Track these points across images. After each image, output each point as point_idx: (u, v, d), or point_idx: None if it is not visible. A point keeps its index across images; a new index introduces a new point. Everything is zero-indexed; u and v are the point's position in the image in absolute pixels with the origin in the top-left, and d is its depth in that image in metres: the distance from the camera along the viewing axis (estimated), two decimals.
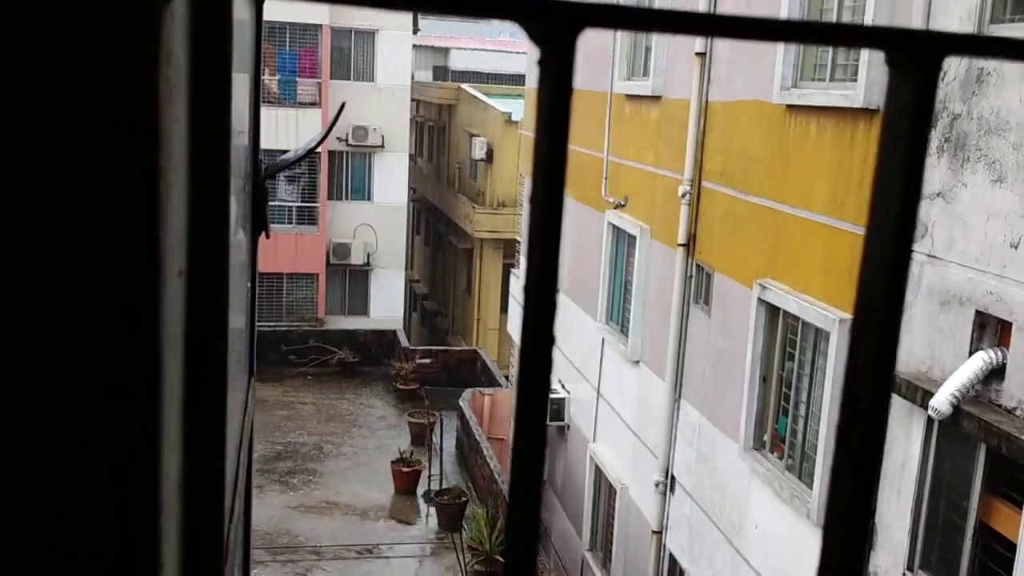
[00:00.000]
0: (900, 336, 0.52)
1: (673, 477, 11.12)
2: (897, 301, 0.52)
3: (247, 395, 1.43)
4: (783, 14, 8.65)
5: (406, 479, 17.75)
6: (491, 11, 0.48)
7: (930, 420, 6.47)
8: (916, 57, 0.52)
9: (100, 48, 0.46)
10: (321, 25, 25.61)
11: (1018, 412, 5.83)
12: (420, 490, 17.79)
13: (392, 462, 18.03)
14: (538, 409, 0.51)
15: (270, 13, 26.23)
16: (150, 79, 0.47)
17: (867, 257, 0.53)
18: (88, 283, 0.48)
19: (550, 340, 0.49)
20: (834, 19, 8.17)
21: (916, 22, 6.83)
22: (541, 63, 0.50)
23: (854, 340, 0.54)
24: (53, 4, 0.45)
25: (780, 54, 8.73)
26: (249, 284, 1.57)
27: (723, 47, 10.14)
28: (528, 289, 0.48)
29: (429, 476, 17.69)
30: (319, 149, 25.51)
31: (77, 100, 0.46)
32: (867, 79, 7.45)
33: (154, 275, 0.50)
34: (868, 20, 7.41)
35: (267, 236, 1.65)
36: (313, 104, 25.78)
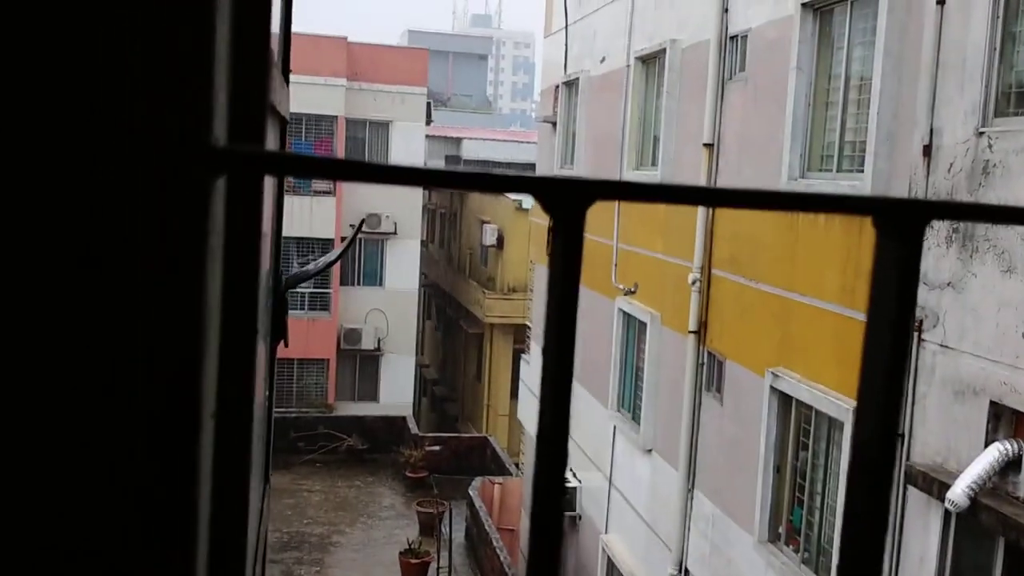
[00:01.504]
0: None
1: (687, 570, 10.91)
2: (889, 460, 0.55)
3: (262, 503, 1.45)
4: (788, 115, 8.82)
5: (414, 571, 17.42)
6: (512, 188, 0.53)
7: (947, 513, 6.37)
8: (901, 222, 0.56)
9: (153, 224, 0.50)
10: (336, 116, 26.18)
11: None
12: None
13: (400, 553, 17.73)
14: (554, 509, 0.53)
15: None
16: (198, 251, 0.51)
17: (860, 408, 0.56)
18: (133, 429, 0.52)
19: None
20: (839, 115, 8.33)
21: (921, 116, 6.97)
22: (553, 230, 0.54)
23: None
24: (112, 180, 0.50)
25: (787, 144, 8.88)
26: (267, 393, 1.61)
27: (731, 138, 10.32)
28: (539, 458, 0.51)
29: (438, 568, 17.37)
30: (331, 234, 25.81)
31: (134, 272, 0.50)
32: (874, 169, 7.56)
33: (193, 420, 0.53)
34: (872, 114, 7.56)
35: (286, 345, 1.69)
36: (328, 193, 26.18)
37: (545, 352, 0.56)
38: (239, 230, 0.68)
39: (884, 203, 0.56)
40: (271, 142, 1.20)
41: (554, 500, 0.53)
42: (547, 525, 0.54)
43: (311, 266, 2.62)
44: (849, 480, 0.60)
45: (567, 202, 0.51)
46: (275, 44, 1.46)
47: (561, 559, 0.53)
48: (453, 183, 0.51)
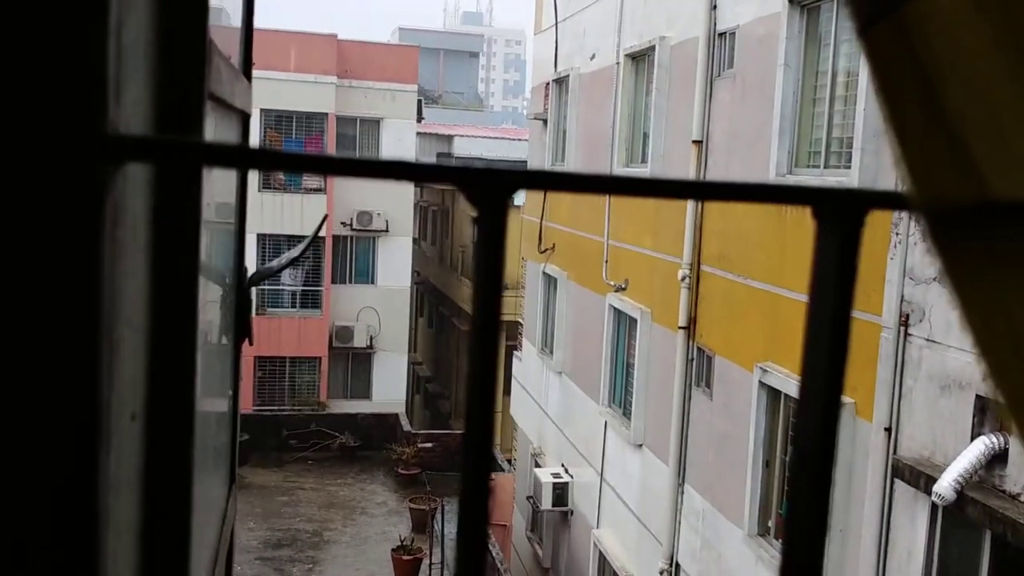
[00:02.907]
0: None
1: (678, 564, 10.92)
2: (830, 448, 0.53)
3: (226, 505, 1.43)
4: (776, 111, 8.82)
5: (407, 568, 17.43)
6: (432, 177, 0.51)
7: (934, 506, 6.38)
8: (840, 212, 0.55)
9: (38, 214, 0.48)
10: (327, 113, 26.11)
11: (1022, 498, 5.76)
12: None
13: (392, 550, 17.73)
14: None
15: (276, 102, 26.53)
16: (93, 242, 0.49)
17: (801, 408, 0.55)
18: (20, 434, 0.49)
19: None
20: (826, 111, 8.33)
21: None
22: (476, 222, 0.52)
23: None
24: None
25: (775, 140, 8.88)
26: (231, 392, 1.59)
27: (719, 134, 10.32)
28: (465, 450, 0.49)
29: (430, 564, 17.38)
30: (323, 233, 25.75)
31: (16, 264, 0.48)
32: (861, 165, 7.56)
33: (92, 423, 0.51)
34: (860, 110, 7.56)
35: (251, 343, 1.67)
36: (318, 190, 26.11)
37: (470, 349, 0.54)
38: (170, 223, 0.66)
39: (823, 193, 0.55)
40: (224, 136, 1.18)
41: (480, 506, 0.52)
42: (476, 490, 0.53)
43: (275, 263, 2.61)
44: (792, 471, 0.59)
45: (489, 192, 0.50)
46: (234, 39, 1.44)
47: (489, 516, 0.52)
48: (369, 173, 0.49)
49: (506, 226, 0.51)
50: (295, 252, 2.67)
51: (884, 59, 0.51)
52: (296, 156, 0.49)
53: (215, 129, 1.00)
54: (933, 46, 0.48)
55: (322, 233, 25.82)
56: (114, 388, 0.54)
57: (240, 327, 1.56)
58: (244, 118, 1.48)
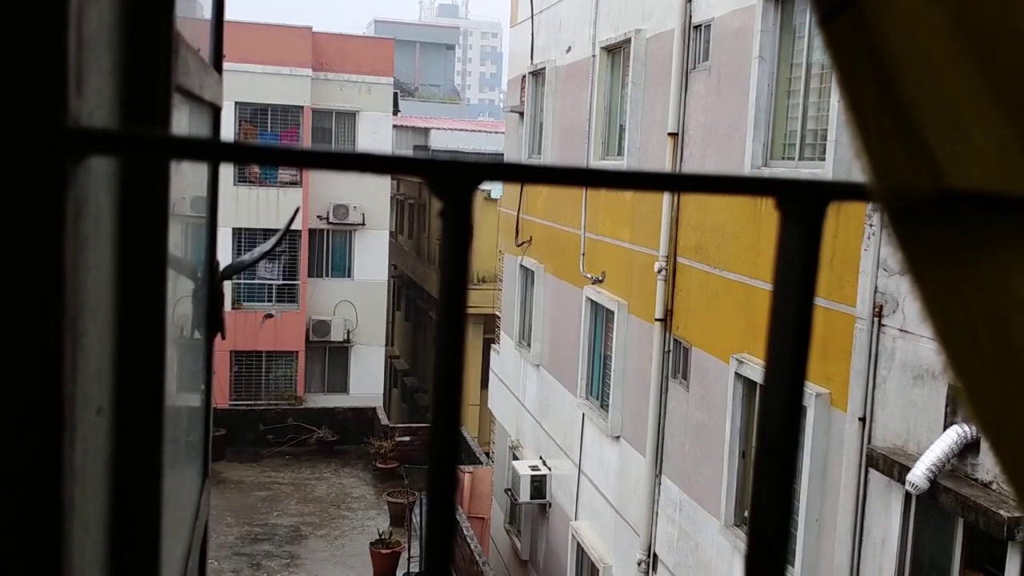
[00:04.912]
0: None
1: (655, 555, 10.98)
2: (793, 435, 0.54)
3: (199, 499, 1.43)
4: (751, 104, 8.85)
5: (385, 561, 17.41)
6: (397, 169, 0.51)
7: (908, 495, 6.45)
8: (803, 203, 0.56)
9: None
10: (303, 106, 25.97)
11: (994, 486, 5.84)
12: (400, 572, 17.45)
13: (371, 544, 17.70)
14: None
15: (251, 95, 26.31)
16: (53, 236, 0.48)
17: (765, 393, 0.55)
18: None
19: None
20: (801, 103, 8.38)
21: None
22: (441, 215, 0.52)
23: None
24: None
25: (750, 132, 8.93)
26: (204, 386, 1.58)
27: (695, 127, 10.35)
28: (433, 441, 0.50)
29: (409, 558, 17.38)
30: (298, 226, 25.62)
31: None
32: (835, 157, 7.61)
33: (55, 415, 0.50)
34: (834, 102, 7.61)
35: (223, 337, 1.67)
36: (294, 183, 25.98)
37: (436, 341, 0.55)
38: (136, 218, 0.65)
39: (786, 184, 0.55)
40: (193, 130, 1.17)
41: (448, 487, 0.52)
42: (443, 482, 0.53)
43: (247, 256, 2.61)
44: (756, 462, 0.59)
45: (453, 183, 0.50)
46: (204, 31, 1.43)
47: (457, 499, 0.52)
48: (333, 165, 0.49)
49: (472, 218, 0.52)
50: (267, 245, 2.67)
51: (844, 52, 0.52)
52: (261, 148, 0.49)
53: (184, 122, 1.00)
54: (890, 40, 0.49)
55: (298, 227, 25.71)
56: (78, 381, 0.53)
57: (212, 321, 1.55)
58: (215, 111, 1.47)
